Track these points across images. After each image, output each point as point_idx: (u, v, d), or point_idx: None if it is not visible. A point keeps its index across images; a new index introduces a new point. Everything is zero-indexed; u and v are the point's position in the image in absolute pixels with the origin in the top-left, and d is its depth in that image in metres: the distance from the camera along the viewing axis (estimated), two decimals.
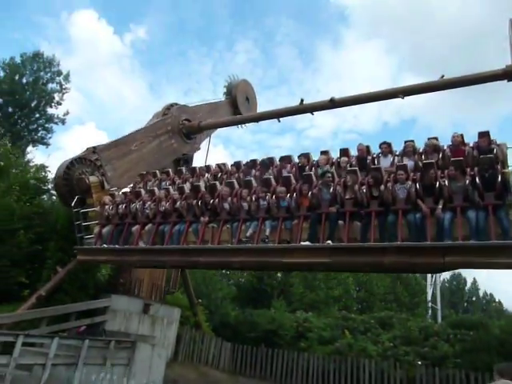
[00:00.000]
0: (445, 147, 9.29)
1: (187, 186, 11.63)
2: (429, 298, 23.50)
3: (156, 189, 11.65)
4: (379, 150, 10.06)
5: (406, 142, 9.76)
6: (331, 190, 8.86)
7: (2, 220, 14.13)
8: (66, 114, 31.21)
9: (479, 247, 6.98)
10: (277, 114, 15.41)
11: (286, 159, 10.99)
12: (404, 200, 8.12)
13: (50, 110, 30.82)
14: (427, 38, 71.75)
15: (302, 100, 14.19)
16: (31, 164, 19.65)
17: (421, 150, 9.65)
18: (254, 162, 11.67)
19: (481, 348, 15.52)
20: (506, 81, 11.91)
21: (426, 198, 7.94)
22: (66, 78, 31.35)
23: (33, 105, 29.46)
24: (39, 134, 30.18)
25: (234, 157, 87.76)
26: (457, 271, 56.21)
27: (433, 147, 9.23)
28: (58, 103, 31.03)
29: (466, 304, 55.20)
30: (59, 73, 31.16)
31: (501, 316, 23.42)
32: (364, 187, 8.54)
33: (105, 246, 10.97)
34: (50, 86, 31.05)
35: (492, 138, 8.92)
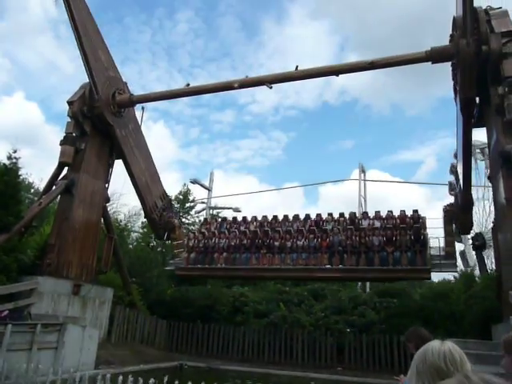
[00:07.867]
0: (396, 216, 17.55)
1: (247, 229, 19.08)
2: None
3: (226, 231, 18.99)
4: (360, 216, 18.26)
5: (376, 212, 18.00)
6: (339, 238, 16.76)
7: None
8: None
9: (412, 269, 15.14)
10: (210, 89, 16.99)
11: (306, 217, 18.86)
12: (377, 245, 16.15)
13: None
14: (374, 19, 78.14)
15: (238, 83, 15.95)
16: None
17: (384, 216, 17.90)
18: (286, 216, 19.38)
19: (403, 313, 16.89)
20: (430, 63, 12.69)
21: (388, 245, 16.02)
22: None
23: None
24: None
25: (174, 132, 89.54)
26: None
27: (391, 216, 17.48)
28: None
29: None
30: None
31: (421, 285, 25.68)
32: (357, 238, 16.49)
33: (199, 265, 18.02)
34: None
35: (419, 212, 17.37)
